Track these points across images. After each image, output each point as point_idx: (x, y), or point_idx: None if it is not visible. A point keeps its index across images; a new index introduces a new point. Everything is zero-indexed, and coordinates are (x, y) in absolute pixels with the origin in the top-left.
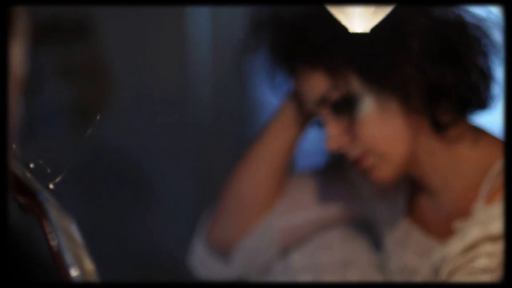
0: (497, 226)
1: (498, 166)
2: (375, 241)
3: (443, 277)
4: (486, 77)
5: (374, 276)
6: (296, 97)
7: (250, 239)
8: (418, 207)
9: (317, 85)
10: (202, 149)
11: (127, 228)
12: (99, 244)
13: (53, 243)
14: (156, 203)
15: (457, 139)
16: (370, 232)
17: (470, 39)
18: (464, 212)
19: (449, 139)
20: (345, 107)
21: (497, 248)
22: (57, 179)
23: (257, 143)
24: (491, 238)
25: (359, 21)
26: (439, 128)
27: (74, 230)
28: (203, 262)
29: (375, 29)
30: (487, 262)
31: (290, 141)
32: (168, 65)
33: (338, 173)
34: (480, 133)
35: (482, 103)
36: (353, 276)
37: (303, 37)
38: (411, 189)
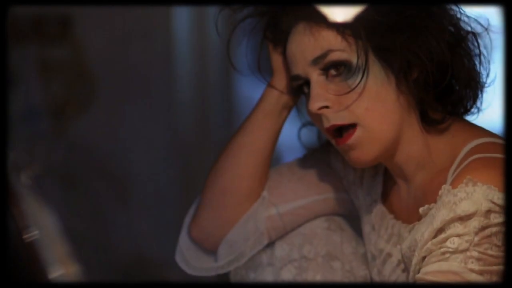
0: (463, 207)
1: (463, 152)
2: (360, 232)
3: (415, 260)
4: (479, 85)
5: (359, 267)
6: (278, 81)
7: (235, 232)
8: (389, 193)
9: (320, 42)
10: (185, 149)
11: (109, 228)
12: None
13: (28, 238)
14: (138, 202)
15: (438, 133)
16: (354, 223)
17: (466, 49)
18: (431, 198)
19: (429, 131)
20: (342, 72)
21: (467, 228)
22: (36, 175)
23: (238, 134)
24: (460, 218)
25: (340, 9)
26: (425, 121)
27: (53, 223)
28: (188, 258)
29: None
30: (458, 241)
31: (272, 131)
32: (151, 64)
33: (322, 161)
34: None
35: (471, 110)
36: (338, 268)
37: None
38: (384, 175)
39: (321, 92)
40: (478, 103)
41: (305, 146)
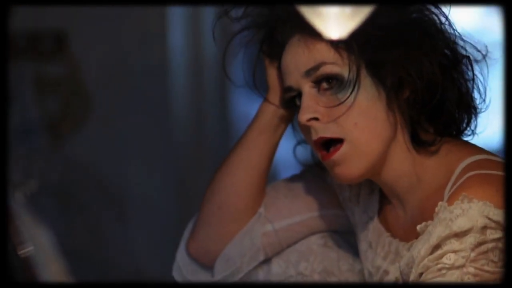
0: (459, 223)
1: (459, 170)
2: (357, 248)
3: (412, 277)
4: (473, 109)
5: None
6: (274, 96)
7: (232, 248)
8: (385, 211)
9: (314, 54)
10: (180, 164)
11: (106, 245)
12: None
13: (23, 253)
14: (134, 218)
15: (428, 154)
16: (351, 240)
17: (460, 72)
18: (428, 216)
19: (419, 152)
20: (333, 86)
21: (463, 244)
22: (32, 192)
23: (234, 151)
24: (456, 235)
25: (334, 24)
26: (415, 142)
27: (48, 240)
28: (185, 273)
29: (394, 18)
30: (454, 257)
31: (267, 148)
32: (147, 79)
33: (318, 177)
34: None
35: (465, 132)
36: None
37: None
38: (381, 192)
39: (312, 104)
40: (472, 126)
41: (301, 163)
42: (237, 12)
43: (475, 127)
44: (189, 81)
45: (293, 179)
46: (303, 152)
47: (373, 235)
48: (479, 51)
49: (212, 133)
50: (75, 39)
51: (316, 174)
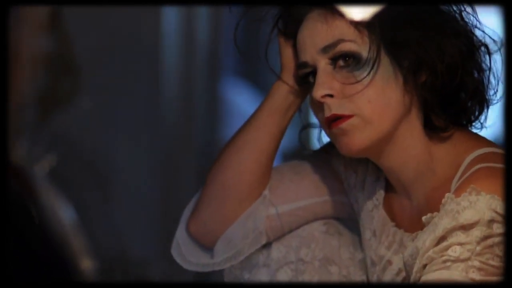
0: (466, 215)
1: (466, 161)
2: (358, 237)
3: (416, 268)
4: (485, 100)
5: (356, 273)
6: (287, 77)
7: (234, 229)
8: (391, 200)
9: (332, 30)
10: (168, 147)
11: (91, 224)
12: None
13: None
14: (120, 198)
15: (439, 141)
16: (353, 228)
17: (477, 60)
18: (434, 207)
19: (431, 138)
20: (350, 63)
21: (469, 237)
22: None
23: (243, 130)
24: (462, 227)
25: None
26: (428, 127)
27: (67, 214)
28: (185, 253)
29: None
30: (460, 250)
31: (276, 130)
32: (138, 61)
33: (323, 162)
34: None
35: (474, 123)
36: (335, 272)
37: None
38: (387, 181)
39: (327, 81)
40: (482, 118)
41: (305, 148)
42: None
43: (485, 119)
44: (180, 63)
45: (298, 163)
46: (291, 137)
47: (377, 224)
48: (495, 42)
49: (200, 115)
50: (68, 15)
51: (321, 159)
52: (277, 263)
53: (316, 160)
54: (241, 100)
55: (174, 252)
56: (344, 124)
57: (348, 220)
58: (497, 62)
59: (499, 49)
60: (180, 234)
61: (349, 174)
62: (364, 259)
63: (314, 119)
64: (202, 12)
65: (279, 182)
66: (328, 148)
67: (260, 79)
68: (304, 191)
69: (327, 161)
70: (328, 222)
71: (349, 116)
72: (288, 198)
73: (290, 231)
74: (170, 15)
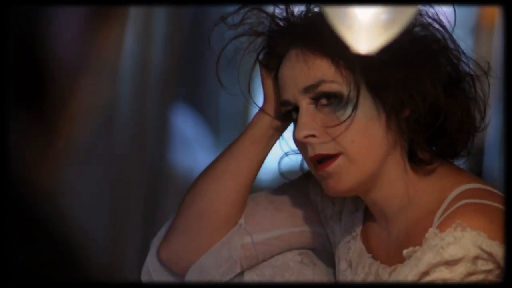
0: (451, 251)
1: (451, 196)
2: (332, 268)
3: None
4: (472, 130)
5: None
6: (270, 107)
7: (207, 258)
8: (368, 232)
9: (313, 71)
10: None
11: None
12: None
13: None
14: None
15: (424, 174)
16: (327, 260)
17: (462, 91)
18: (415, 240)
19: (416, 172)
20: (332, 102)
21: (453, 273)
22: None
23: (223, 158)
24: (447, 263)
25: (365, 39)
26: (413, 161)
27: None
28: (155, 279)
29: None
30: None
31: (257, 159)
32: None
33: (300, 192)
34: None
35: (460, 155)
36: None
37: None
38: (365, 212)
39: (309, 121)
40: (468, 147)
41: (283, 175)
42: (234, 18)
43: (471, 147)
44: (134, 86)
45: (274, 192)
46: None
47: (353, 255)
48: (481, 67)
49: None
50: None
51: (298, 189)
52: None
53: (292, 190)
54: (187, 126)
55: (143, 278)
56: (331, 167)
57: (323, 252)
58: (484, 86)
59: (486, 74)
60: (151, 261)
61: (326, 204)
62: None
63: (293, 146)
64: (159, 39)
65: (255, 210)
66: (306, 178)
67: (203, 106)
68: (279, 221)
69: (304, 190)
70: (303, 252)
71: (336, 156)
72: (264, 227)
73: (264, 260)
74: (127, 42)
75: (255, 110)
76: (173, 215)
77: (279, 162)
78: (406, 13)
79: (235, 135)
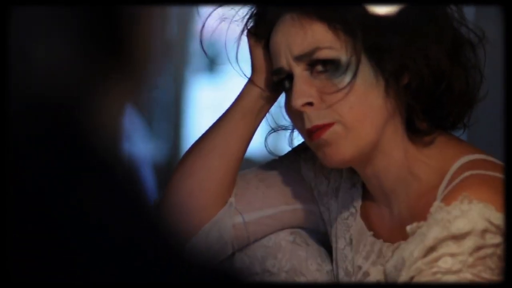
0: (458, 225)
1: (454, 168)
2: (328, 247)
3: (402, 280)
4: (470, 100)
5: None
6: (259, 78)
7: (197, 240)
8: (368, 209)
9: (309, 37)
10: None
11: None
12: None
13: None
14: None
15: (423, 145)
16: (319, 239)
17: (463, 59)
18: (418, 216)
19: (414, 142)
20: (328, 69)
21: (461, 247)
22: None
23: (211, 133)
24: (454, 237)
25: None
26: (411, 130)
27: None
28: None
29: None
30: (451, 261)
31: (247, 133)
32: None
33: (292, 168)
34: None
35: (459, 123)
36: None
37: None
38: (363, 188)
39: (305, 88)
40: (466, 119)
41: (271, 152)
42: None
43: (468, 120)
44: None
45: (264, 169)
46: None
47: (354, 232)
48: (477, 35)
49: None
50: None
51: (289, 165)
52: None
53: (283, 166)
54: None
55: None
56: (326, 134)
57: (315, 231)
58: (480, 57)
59: (482, 41)
60: None
61: (320, 181)
62: (331, 271)
63: (282, 122)
64: None
65: (245, 189)
66: (297, 153)
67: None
68: (271, 199)
69: (296, 167)
70: (295, 231)
71: (330, 124)
72: (255, 206)
73: (255, 241)
74: None
75: (188, 100)
76: (159, 195)
77: (266, 138)
78: None
79: (168, 126)
